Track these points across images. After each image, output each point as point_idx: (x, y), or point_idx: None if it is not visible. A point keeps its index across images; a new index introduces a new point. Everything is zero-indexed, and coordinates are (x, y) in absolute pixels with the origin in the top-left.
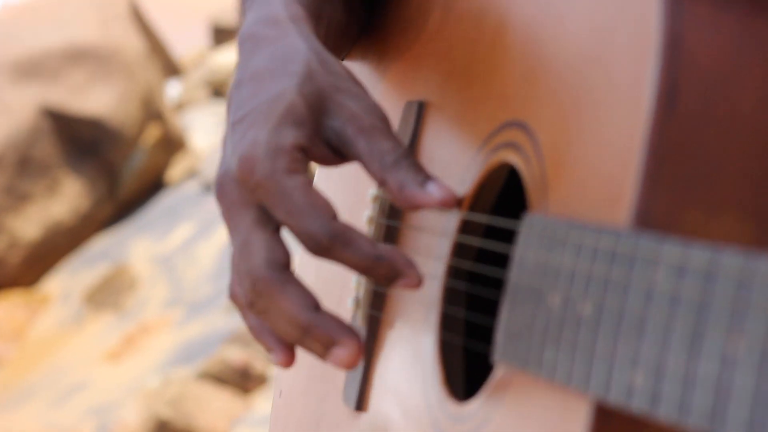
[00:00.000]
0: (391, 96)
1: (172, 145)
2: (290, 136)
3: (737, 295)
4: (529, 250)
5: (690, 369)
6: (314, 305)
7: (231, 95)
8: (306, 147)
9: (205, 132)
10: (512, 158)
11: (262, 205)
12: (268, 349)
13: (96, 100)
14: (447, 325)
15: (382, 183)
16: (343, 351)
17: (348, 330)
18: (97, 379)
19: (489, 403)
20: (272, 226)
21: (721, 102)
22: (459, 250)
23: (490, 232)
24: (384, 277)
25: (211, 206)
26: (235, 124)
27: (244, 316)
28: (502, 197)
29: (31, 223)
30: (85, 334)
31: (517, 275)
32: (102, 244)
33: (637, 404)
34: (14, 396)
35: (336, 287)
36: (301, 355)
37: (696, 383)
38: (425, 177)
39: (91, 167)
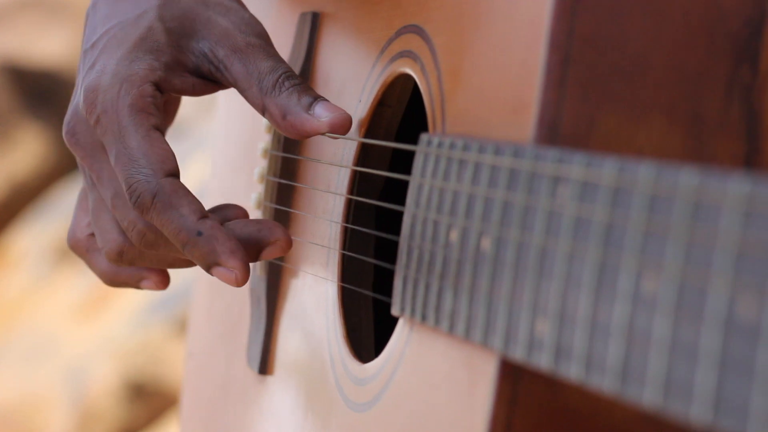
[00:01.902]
0: (286, 9)
1: None
2: (143, 66)
3: (652, 218)
4: (425, 177)
5: (599, 313)
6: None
7: (87, 16)
8: (161, 79)
9: None
10: (409, 69)
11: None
12: (137, 280)
13: (50, 47)
14: (349, 272)
15: (262, 110)
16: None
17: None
18: (70, 338)
19: (391, 363)
20: None
21: None
22: (360, 184)
23: (398, 160)
24: (200, 258)
25: (179, 153)
26: (86, 51)
27: (92, 261)
28: (415, 116)
29: None
30: (54, 291)
31: (413, 208)
32: (67, 197)
33: (542, 359)
34: None
35: None
36: (210, 312)
37: (605, 331)
38: (312, 98)
39: (50, 117)
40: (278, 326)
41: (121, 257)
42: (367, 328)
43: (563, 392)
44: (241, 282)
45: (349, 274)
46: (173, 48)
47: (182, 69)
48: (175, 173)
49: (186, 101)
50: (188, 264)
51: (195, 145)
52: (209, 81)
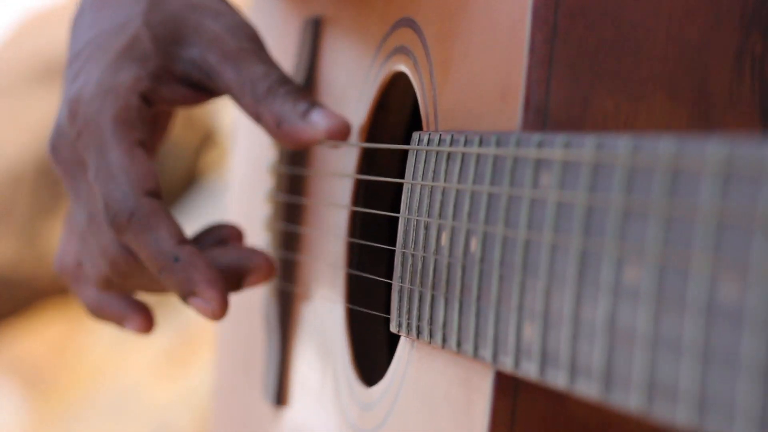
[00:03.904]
0: (290, 15)
1: (208, 139)
2: (129, 76)
3: (631, 196)
4: (417, 178)
5: (582, 311)
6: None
7: (73, 24)
8: (149, 89)
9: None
10: (403, 66)
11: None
12: (120, 319)
13: None
14: (358, 291)
15: (257, 117)
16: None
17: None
18: (153, 393)
19: (394, 386)
20: None
21: None
22: (367, 195)
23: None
24: (177, 285)
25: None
26: (71, 61)
27: (79, 291)
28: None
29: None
30: (137, 347)
31: (406, 213)
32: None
33: (530, 367)
34: (65, 416)
35: None
36: (230, 345)
37: (589, 330)
38: (308, 104)
39: None
40: (292, 354)
41: (109, 284)
42: (380, 349)
43: (569, 405)
44: (218, 315)
45: (358, 292)
46: (161, 56)
47: (171, 78)
48: (155, 193)
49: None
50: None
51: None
52: (200, 90)
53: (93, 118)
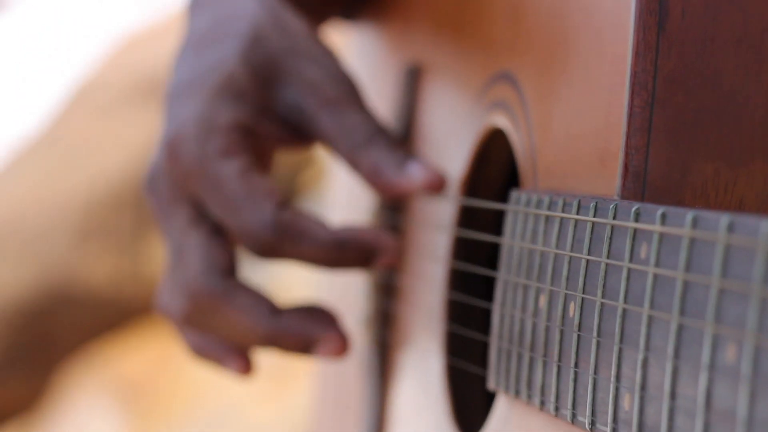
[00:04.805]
0: (388, 61)
1: (305, 158)
2: (227, 113)
3: (728, 273)
4: (515, 238)
5: (679, 385)
6: (271, 309)
7: (173, 63)
8: (247, 125)
9: None
10: (502, 121)
11: (195, 199)
12: (220, 360)
13: None
14: (454, 345)
15: (354, 165)
16: (327, 347)
17: (322, 321)
18: (253, 412)
19: None
20: (209, 224)
21: (729, 11)
22: (466, 248)
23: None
24: (357, 261)
25: None
26: (170, 100)
27: (180, 333)
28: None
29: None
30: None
31: (505, 273)
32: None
33: None
34: None
35: (345, 307)
36: (326, 390)
37: (686, 406)
38: (405, 155)
39: None
40: (390, 402)
41: (190, 321)
42: (478, 400)
43: None
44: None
45: (456, 345)
46: (259, 94)
47: (269, 116)
48: (286, 202)
49: None
50: (251, 342)
51: None
52: (296, 134)
53: (200, 158)
